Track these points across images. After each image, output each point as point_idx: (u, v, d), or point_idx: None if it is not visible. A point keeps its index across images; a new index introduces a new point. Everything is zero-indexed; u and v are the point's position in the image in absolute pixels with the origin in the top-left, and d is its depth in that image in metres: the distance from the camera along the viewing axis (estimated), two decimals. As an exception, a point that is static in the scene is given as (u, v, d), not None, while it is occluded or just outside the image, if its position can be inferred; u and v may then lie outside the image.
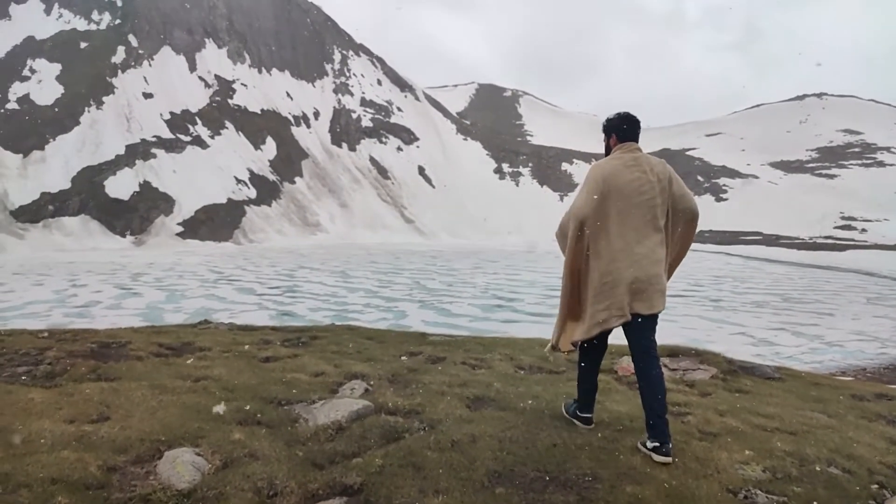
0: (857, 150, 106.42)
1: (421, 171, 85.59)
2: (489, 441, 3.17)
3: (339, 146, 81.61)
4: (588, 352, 3.41)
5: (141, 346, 4.95)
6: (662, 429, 3.06)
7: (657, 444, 3.04)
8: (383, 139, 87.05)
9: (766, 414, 4.04)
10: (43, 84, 59.56)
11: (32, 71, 60.71)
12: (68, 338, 5.30)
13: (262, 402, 3.58)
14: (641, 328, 3.19)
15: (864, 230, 71.02)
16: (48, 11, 69.03)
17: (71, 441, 2.85)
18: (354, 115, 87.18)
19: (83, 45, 66.17)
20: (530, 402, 3.96)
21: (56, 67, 61.89)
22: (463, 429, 3.32)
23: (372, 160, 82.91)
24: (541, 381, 4.63)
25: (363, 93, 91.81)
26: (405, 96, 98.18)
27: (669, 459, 3.00)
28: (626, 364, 5.60)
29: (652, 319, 3.21)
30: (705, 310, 22.20)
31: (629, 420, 3.64)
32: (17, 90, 58.08)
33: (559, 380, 4.74)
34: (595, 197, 3.15)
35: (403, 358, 5.18)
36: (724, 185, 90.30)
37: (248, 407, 3.43)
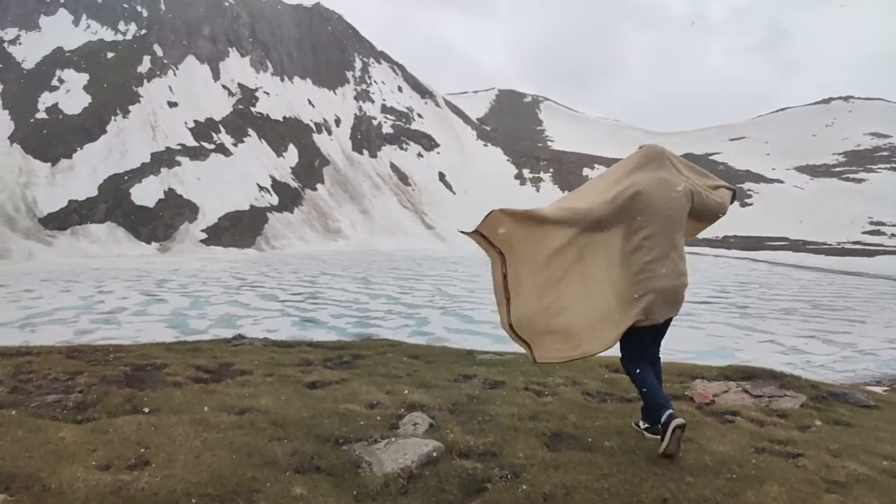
0: (885, 153, 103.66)
1: (441, 177, 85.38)
2: (586, 494, 2.72)
3: (360, 153, 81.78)
4: (634, 353, 3.45)
5: (177, 368, 4.57)
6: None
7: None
8: (404, 146, 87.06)
9: (887, 454, 3.51)
10: (71, 94, 60.59)
11: (61, 81, 61.83)
12: (99, 358, 4.96)
13: (318, 442, 3.15)
14: (656, 336, 3.52)
15: (893, 235, 68.94)
16: (76, 23, 70.37)
17: (107, 494, 2.46)
18: (375, 122, 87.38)
19: (110, 55, 67.26)
20: (615, 439, 3.49)
21: (83, 77, 62.93)
22: (552, 477, 2.86)
23: (392, 167, 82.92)
24: (617, 412, 4.15)
25: (384, 100, 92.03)
26: (425, 103, 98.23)
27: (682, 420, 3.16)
28: (702, 389, 5.09)
29: (666, 325, 3.51)
30: (732, 317, 21.48)
31: (738, 465, 3.14)
32: (45, 100, 59.15)
33: (634, 409, 4.25)
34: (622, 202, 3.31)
35: (460, 383, 4.74)
36: (748, 190, 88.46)
37: (304, 448, 3.01)
